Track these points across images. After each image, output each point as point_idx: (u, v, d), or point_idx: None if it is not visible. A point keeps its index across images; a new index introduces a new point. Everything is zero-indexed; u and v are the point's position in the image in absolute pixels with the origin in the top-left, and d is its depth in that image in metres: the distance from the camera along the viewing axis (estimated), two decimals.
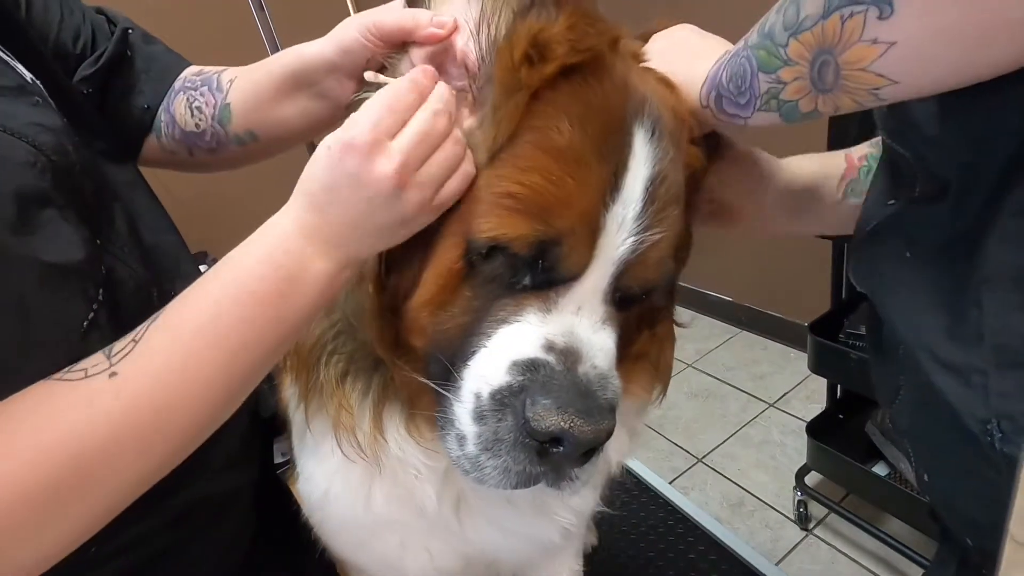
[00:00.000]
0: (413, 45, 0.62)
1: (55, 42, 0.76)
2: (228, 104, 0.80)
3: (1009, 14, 0.36)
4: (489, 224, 0.54)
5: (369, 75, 0.63)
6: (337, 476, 0.73)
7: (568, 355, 0.54)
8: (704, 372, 2.66)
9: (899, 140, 0.57)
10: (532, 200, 0.54)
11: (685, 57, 0.66)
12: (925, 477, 0.65)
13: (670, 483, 2.08)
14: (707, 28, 0.70)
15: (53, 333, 0.53)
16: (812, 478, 1.88)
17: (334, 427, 0.66)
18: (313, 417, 0.69)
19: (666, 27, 0.72)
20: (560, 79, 0.55)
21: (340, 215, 0.53)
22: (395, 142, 0.52)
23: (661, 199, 0.57)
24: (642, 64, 0.66)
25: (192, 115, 0.82)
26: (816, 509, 1.91)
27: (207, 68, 0.85)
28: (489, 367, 0.55)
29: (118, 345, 0.50)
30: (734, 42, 0.58)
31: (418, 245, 0.58)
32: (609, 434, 0.53)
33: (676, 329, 0.76)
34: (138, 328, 0.51)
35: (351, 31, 0.68)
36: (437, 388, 0.58)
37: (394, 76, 0.62)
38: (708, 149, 0.67)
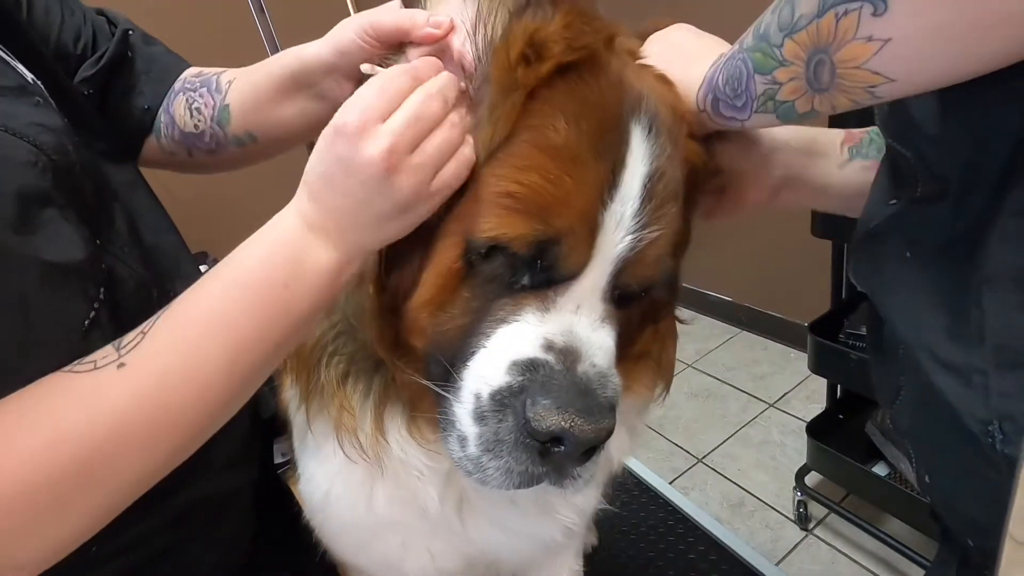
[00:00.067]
0: (410, 46, 0.62)
1: (56, 43, 0.76)
2: (227, 105, 0.81)
3: (1004, 8, 0.36)
4: (489, 224, 0.54)
5: (365, 67, 0.63)
6: (339, 477, 0.73)
7: (567, 354, 0.54)
8: (704, 372, 2.66)
9: (900, 140, 0.57)
10: (531, 199, 0.54)
11: (682, 60, 0.65)
12: (926, 478, 0.64)
13: (670, 483, 2.07)
14: (706, 27, 0.70)
15: (54, 332, 0.53)
16: (812, 478, 1.88)
17: (335, 428, 0.66)
18: (314, 419, 0.69)
19: (663, 27, 0.71)
20: (556, 78, 0.55)
21: (337, 203, 0.53)
22: (384, 125, 0.51)
23: (659, 196, 0.57)
24: (638, 61, 0.66)
25: (191, 116, 0.82)
26: (816, 509, 1.91)
27: (207, 69, 0.86)
28: (489, 367, 0.55)
29: (127, 337, 0.51)
30: (732, 41, 0.58)
31: (417, 244, 0.58)
32: (609, 433, 0.53)
33: (678, 327, 0.76)
34: (149, 320, 0.52)
35: (348, 32, 0.68)
36: (437, 389, 0.58)
37: None
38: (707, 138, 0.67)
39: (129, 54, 0.83)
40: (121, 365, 0.48)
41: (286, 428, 0.83)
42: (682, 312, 0.76)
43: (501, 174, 0.55)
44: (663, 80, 0.64)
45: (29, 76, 0.62)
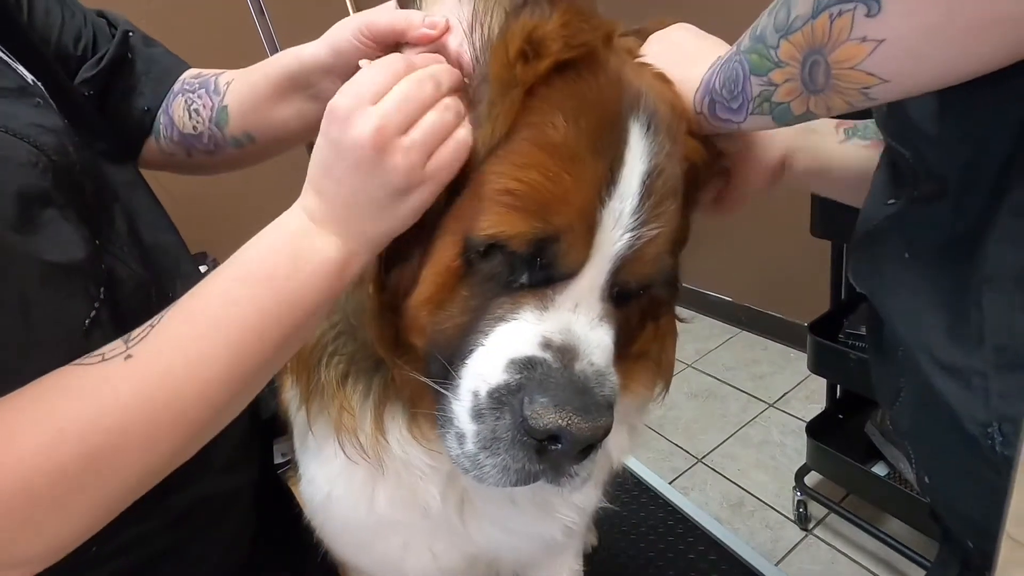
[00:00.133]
0: (406, 46, 0.62)
1: (56, 44, 0.77)
2: (225, 106, 0.81)
3: (998, 10, 0.36)
4: (488, 222, 0.54)
5: (364, 62, 0.63)
6: (340, 478, 0.73)
7: (565, 352, 0.54)
8: (704, 372, 2.66)
9: (899, 140, 0.57)
10: (530, 197, 0.54)
11: (681, 62, 0.65)
12: (926, 479, 0.64)
13: (670, 483, 2.07)
14: (706, 27, 0.70)
15: (55, 332, 0.53)
16: (812, 478, 1.88)
17: (336, 429, 0.66)
18: (315, 419, 0.69)
19: (663, 26, 0.71)
20: (555, 75, 0.56)
21: (335, 190, 0.53)
22: (374, 106, 0.51)
23: (658, 193, 0.57)
24: (637, 59, 0.66)
25: (190, 117, 0.82)
26: (816, 509, 1.91)
27: (206, 71, 0.86)
28: (487, 365, 0.55)
29: (136, 330, 0.51)
30: (733, 42, 0.58)
31: (417, 243, 0.58)
32: (607, 431, 0.53)
33: (678, 326, 0.76)
34: (158, 315, 0.52)
35: (344, 33, 0.68)
36: (436, 387, 0.58)
37: None
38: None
39: (129, 56, 0.83)
40: (128, 357, 0.49)
41: (286, 429, 0.83)
42: (682, 311, 0.76)
43: (500, 171, 0.55)
44: (662, 78, 0.64)
45: (29, 77, 0.63)
